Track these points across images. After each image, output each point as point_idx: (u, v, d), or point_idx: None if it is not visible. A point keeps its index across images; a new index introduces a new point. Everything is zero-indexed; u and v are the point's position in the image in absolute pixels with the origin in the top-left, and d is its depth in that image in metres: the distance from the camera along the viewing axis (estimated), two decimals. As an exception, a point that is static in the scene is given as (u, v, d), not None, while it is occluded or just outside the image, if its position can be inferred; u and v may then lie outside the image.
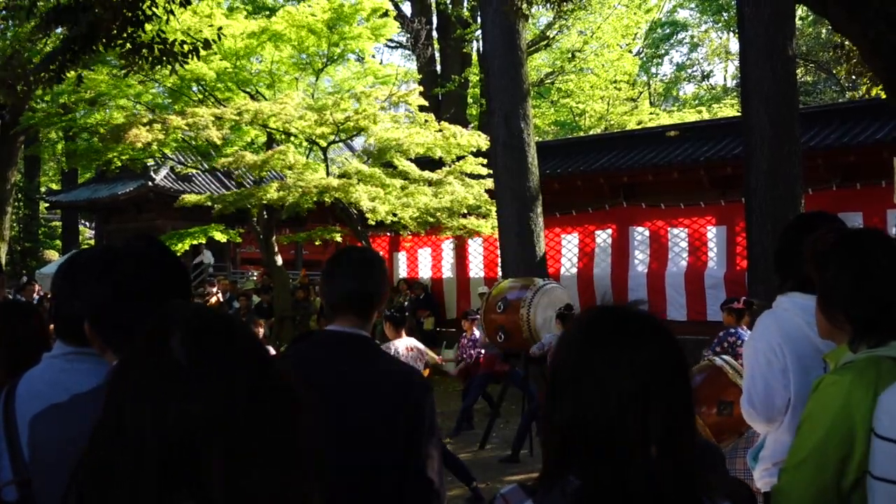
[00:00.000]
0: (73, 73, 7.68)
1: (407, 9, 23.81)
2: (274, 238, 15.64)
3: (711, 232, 12.88)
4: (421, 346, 7.56)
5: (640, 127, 24.05)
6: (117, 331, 1.60)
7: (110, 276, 1.61)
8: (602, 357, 1.27)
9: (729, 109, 26.36)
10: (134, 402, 1.05)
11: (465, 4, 22.20)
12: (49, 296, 12.63)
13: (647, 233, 13.53)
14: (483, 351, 10.49)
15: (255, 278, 18.86)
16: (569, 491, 1.26)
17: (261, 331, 8.05)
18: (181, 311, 1.14)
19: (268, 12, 16.66)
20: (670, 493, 1.23)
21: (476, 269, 15.69)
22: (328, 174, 14.01)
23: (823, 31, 25.00)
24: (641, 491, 1.22)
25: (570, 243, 14.31)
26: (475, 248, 15.70)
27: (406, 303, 14.81)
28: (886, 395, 1.64)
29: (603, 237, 13.99)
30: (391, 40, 24.63)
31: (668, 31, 32.80)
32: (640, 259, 13.56)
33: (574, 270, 14.03)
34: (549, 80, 24.33)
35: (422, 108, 14.63)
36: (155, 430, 1.03)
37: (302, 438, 1.12)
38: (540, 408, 7.65)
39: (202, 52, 8.14)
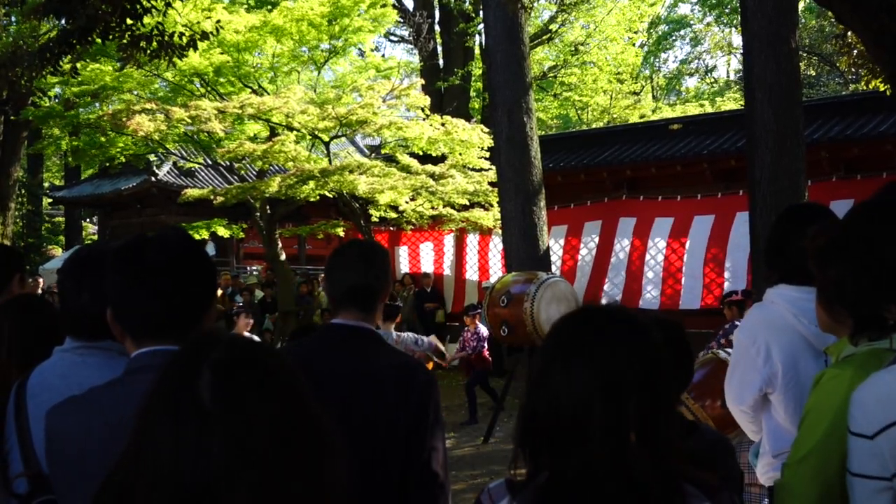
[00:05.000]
0: (67, 63, 7.66)
1: (409, 3, 23.76)
2: (277, 233, 15.66)
3: (709, 222, 12.91)
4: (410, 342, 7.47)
5: (643, 120, 24.00)
6: (137, 319, 1.62)
7: (134, 264, 1.61)
8: (570, 360, 1.33)
9: (732, 103, 26.28)
10: (154, 441, 1.04)
11: (468, -3, 22.15)
12: (52, 290, 12.65)
13: (634, 222, 13.62)
14: (486, 345, 10.54)
15: (257, 273, 18.86)
16: (539, 484, 1.32)
17: (250, 322, 8.01)
18: (211, 347, 1.10)
19: (270, 6, 16.64)
20: (644, 480, 1.27)
21: (472, 271, 15.79)
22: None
23: (826, 23, 24.92)
24: (606, 478, 1.27)
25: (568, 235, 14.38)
26: (472, 248, 15.81)
27: (407, 295, 14.84)
28: (858, 392, 1.61)
29: (608, 230, 14.02)
30: (393, 34, 24.61)
31: (670, 27, 32.71)
32: (622, 257, 13.64)
33: (587, 261, 14.11)
34: (551, 74, 24.26)
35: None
36: (171, 472, 1.02)
37: (329, 481, 1.09)
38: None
39: (202, 46, 8.11)
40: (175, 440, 1.02)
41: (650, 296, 13.10)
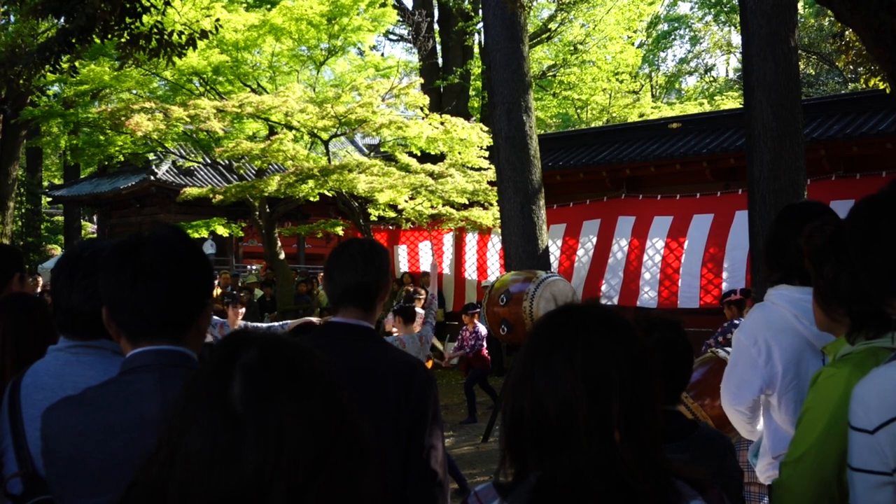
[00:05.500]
0: (66, 62, 7.65)
1: (408, 1, 23.77)
2: (276, 232, 15.65)
3: (707, 219, 12.92)
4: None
5: (642, 119, 23.99)
6: (133, 318, 1.61)
7: (129, 263, 1.60)
8: (553, 360, 1.31)
9: (731, 102, 26.27)
10: (186, 446, 1.00)
11: (467, -4, 22.15)
12: (48, 288, 12.65)
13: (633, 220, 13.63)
14: (484, 343, 10.55)
15: (257, 272, 18.84)
16: (530, 485, 1.30)
17: (240, 311, 7.97)
18: (244, 348, 1.06)
19: (269, 5, 16.64)
20: (630, 477, 1.26)
21: (471, 270, 15.81)
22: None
23: (826, 22, 24.92)
24: (596, 477, 1.25)
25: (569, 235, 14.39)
26: (471, 247, 15.84)
27: (407, 294, 14.84)
28: (859, 387, 1.61)
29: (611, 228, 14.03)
30: (392, 33, 24.61)
31: (668, 27, 32.72)
32: (621, 252, 13.65)
33: (584, 262, 14.13)
34: (551, 73, 24.26)
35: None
36: (204, 478, 0.98)
37: (366, 490, 1.05)
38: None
39: (201, 45, 8.10)
40: (207, 446, 0.98)
41: (648, 295, 13.11)
